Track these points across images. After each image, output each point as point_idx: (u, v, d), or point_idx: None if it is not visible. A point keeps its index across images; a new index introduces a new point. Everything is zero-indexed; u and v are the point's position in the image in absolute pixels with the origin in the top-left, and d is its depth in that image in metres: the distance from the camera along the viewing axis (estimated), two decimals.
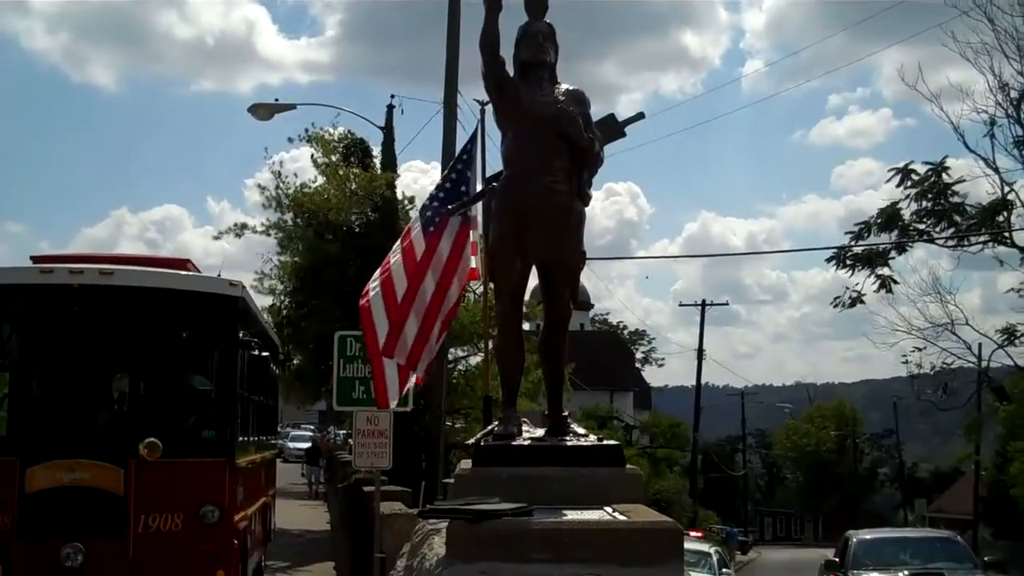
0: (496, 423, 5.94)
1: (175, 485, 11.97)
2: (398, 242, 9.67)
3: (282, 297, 29.26)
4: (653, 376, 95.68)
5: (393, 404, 9.89)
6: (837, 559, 18.04)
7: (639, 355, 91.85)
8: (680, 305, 65.13)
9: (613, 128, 7.31)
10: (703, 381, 61.10)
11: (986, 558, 20.32)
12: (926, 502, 65.53)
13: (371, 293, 8.71)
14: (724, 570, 26.25)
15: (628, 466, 5.58)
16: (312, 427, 60.08)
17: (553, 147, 6.23)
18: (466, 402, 28.03)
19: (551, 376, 6.28)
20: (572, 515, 4.59)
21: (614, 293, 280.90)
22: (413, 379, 9.40)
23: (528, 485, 5.12)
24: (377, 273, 9.02)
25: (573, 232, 6.24)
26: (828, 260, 37.62)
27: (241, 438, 13.45)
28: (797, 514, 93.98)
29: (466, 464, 5.78)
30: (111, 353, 12.78)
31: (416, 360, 8.28)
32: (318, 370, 27.53)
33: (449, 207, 8.89)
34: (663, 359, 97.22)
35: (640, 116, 7.80)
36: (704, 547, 26.44)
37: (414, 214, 30.26)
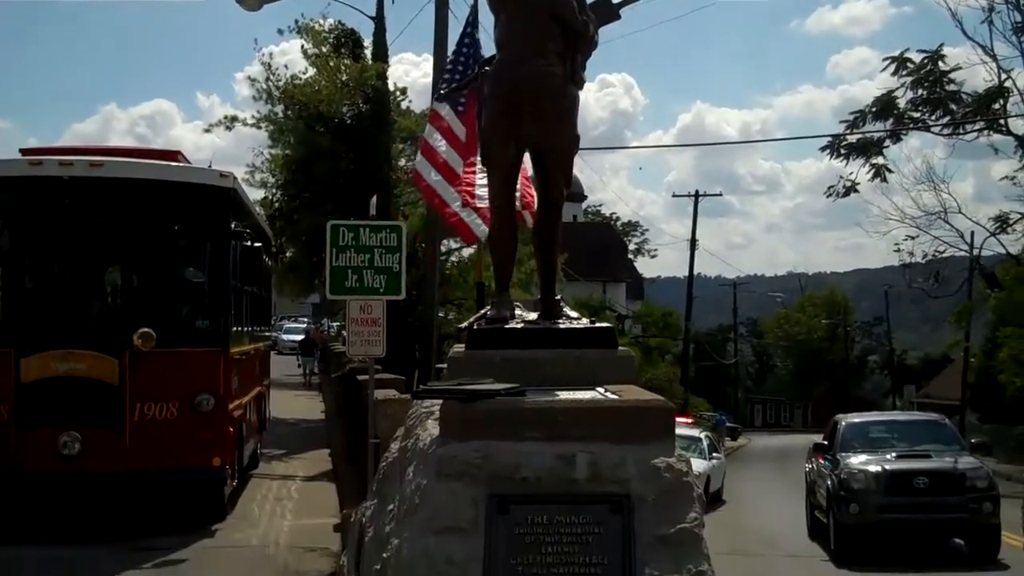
0: (489, 307, 5.96)
1: (169, 375, 12.07)
2: (428, 125, 9.83)
3: (274, 190, 29.17)
4: (646, 267, 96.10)
5: (482, 237, 10.22)
6: (826, 442, 18.26)
7: (632, 246, 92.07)
8: (673, 196, 64.76)
9: (608, 10, 7.18)
10: (695, 272, 61.40)
11: (972, 440, 20.60)
12: (915, 388, 66.26)
13: (422, 171, 8.92)
14: (714, 454, 26.70)
15: (620, 348, 5.61)
16: (306, 320, 60.35)
17: (546, 30, 6.12)
18: (459, 293, 28.12)
19: (544, 261, 6.26)
20: (565, 395, 4.62)
21: (607, 185, 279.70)
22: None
23: (521, 367, 5.14)
24: (420, 155, 9.25)
25: (567, 116, 6.16)
26: (822, 149, 37.64)
27: (235, 328, 13.53)
28: (787, 401, 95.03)
29: (459, 348, 5.81)
30: (103, 245, 12.77)
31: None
32: (311, 262, 27.57)
33: (454, 87, 9.01)
34: (656, 250, 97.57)
35: None
36: (694, 432, 26.86)
37: (406, 105, 30.06)
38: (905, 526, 15.87)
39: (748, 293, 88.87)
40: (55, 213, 12.35)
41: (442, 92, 11.91)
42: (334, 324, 54.00)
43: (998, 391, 42.39)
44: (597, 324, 5.79)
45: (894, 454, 16.81)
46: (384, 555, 4.86)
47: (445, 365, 6.19)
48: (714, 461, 25.37)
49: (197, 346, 12.53)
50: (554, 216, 6.18)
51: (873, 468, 16.13)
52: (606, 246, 71.97)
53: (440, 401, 4.67)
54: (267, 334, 21.75)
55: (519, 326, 5.62)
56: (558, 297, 6.00)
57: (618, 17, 7.24)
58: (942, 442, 17.57)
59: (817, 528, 17.78)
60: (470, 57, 11.00)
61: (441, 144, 9.19)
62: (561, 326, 5.62)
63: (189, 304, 13.40)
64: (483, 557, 4.09)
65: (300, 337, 47.27)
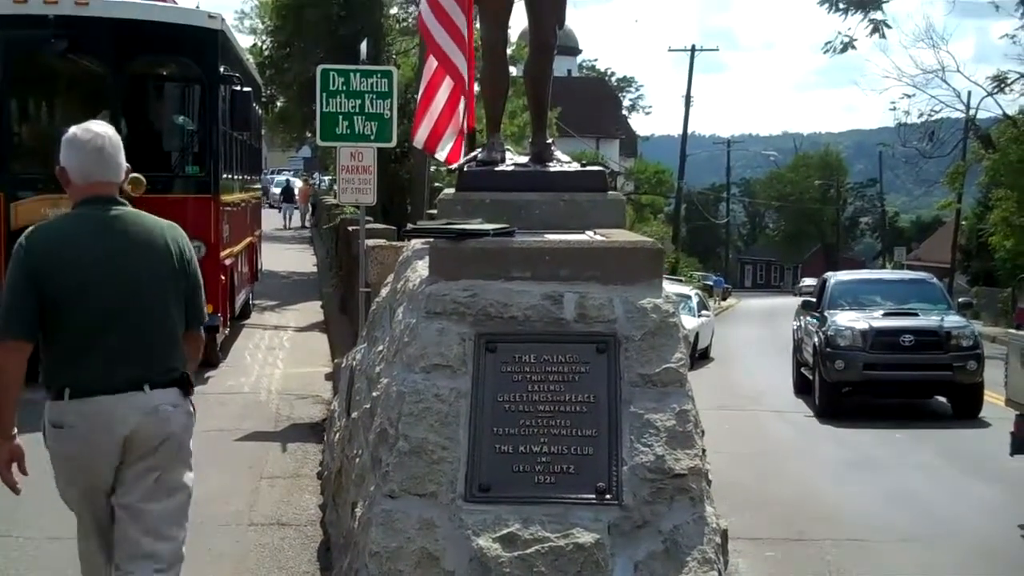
0: (479, 149, 5.90)
1: None
2: None
3: (263, 37, 28.69)
4: (640, 124, 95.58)
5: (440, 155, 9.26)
6: (815, 299, 18.35)
7: (626, 102, 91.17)
8: (669, 50, 63.93)
9: None
10: (690, 131, 60.88)
11: (959, 299, 20.69)
12: (905, 250, 66.50)
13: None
14: (703, 312, 26.88)
15: (610, 192, 5.58)
16: (290, 172, 60.58)
17: None
18: None
19: (535, 104, 6.17)
20: (554, 236, 4.61)
21: (602, 40, 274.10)
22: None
23: (511, 209, 5.12)
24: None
25: None
26: (821, 3, 36.86)
27: (225, 176, 13.45)
28: (778, 262, 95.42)
29: (449, 191, 5.78)
30: (90, 87, 12.62)
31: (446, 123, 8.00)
32: (301, 112, 27.29)
33: None
34: (650, 107, 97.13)
35: None
36: (685, 290, 27.01)
37: None
38: (890, 383, 16.09)
39: (742, 152, 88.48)
40: (40, 53, 12.13)
41: None
42: (325, 178, 53.83)
43: (988, 254, 42.50)
44: (588, 167, 5.75)
45: (881, 312, 16.90)
46: (374, 394, 4.90)
47: (435, 210, 6.16)
48: (703, 319, 25.52)
49: (187, 193, 12.49)
50: (546, 56, 6.06)
51: (860, 325, 16.23)
52: (600, 101, 71.16)
53: (429, 242, 4.66)
54: (258, 186, 21.64)
55: (510, 168, 5.58)
56: (549, 140, 5.93)
57: None
58: (929, 301, 17.67)
59: (803, 385, 18.00)
60: None
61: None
62: (552, 169, 5.57)
63: (179, 150, 13.30)
64: (470, 394, 4.12)
65: (281, 188, 48.78)
